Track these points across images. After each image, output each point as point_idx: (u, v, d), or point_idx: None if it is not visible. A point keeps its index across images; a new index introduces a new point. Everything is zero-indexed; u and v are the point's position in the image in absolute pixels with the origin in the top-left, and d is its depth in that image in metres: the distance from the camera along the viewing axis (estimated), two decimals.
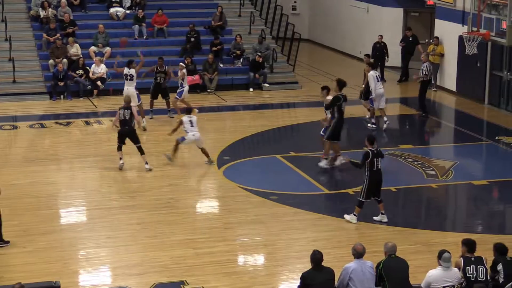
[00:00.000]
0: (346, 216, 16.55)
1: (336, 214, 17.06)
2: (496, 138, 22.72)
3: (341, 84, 19.59)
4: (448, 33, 27.76)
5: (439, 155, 21.14)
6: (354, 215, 16.43)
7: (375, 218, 16.51)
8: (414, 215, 17.71)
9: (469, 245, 12.21)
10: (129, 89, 22.93)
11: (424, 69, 24.23)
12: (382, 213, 16.53)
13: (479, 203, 18.37)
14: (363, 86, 23.76)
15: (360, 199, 16.35)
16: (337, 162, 19.65)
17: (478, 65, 24.44)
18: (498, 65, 25.44)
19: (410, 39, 29.60)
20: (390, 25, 31.37)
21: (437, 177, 19.32)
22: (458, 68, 27.25)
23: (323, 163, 19.67)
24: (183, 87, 23.81)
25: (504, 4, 21.79)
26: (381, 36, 29.87)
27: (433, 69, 28.10)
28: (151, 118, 23.80)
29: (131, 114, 19.45)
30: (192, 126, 19.71)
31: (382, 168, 16.35)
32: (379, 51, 29.74)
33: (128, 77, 23.09)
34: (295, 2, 37.21)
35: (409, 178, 19.38)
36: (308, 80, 29.74)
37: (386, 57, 29.76)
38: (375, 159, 16.12)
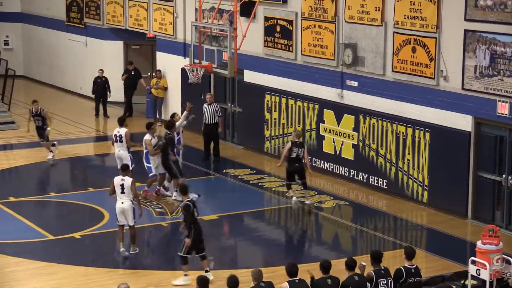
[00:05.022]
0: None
1: (62, 261, 16.06)
2: (224, 171, 22.64)
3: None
4: (171, 65, 27.51)
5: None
6: (185, 275, 14.92)
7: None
8: (145, 255, 17.04)
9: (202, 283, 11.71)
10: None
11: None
12: (206, 271, 15.01)
13: (210, 238, 18.01)
14: None
15: (181, 254, 15.04)
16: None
17: (202, 97, 24.27)
18: (222, 97, 25.44)
19: (133, 73, 29.02)
20: (110, 59, 30.65)
21: (167, 215, 19.00)
22: (182, 101, 27.00)
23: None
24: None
25: (224, 35, 21.73)
26: (102, 70, 29.08)
27: (158, 103, 27.82)
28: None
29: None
30: None
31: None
32: (101, 86, 28.95)
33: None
34: (7, 36, 35.50)
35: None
36: (26, 119, 28.18)
37: (108, 92, 29.01)
38: (194, 209, 15.04)
